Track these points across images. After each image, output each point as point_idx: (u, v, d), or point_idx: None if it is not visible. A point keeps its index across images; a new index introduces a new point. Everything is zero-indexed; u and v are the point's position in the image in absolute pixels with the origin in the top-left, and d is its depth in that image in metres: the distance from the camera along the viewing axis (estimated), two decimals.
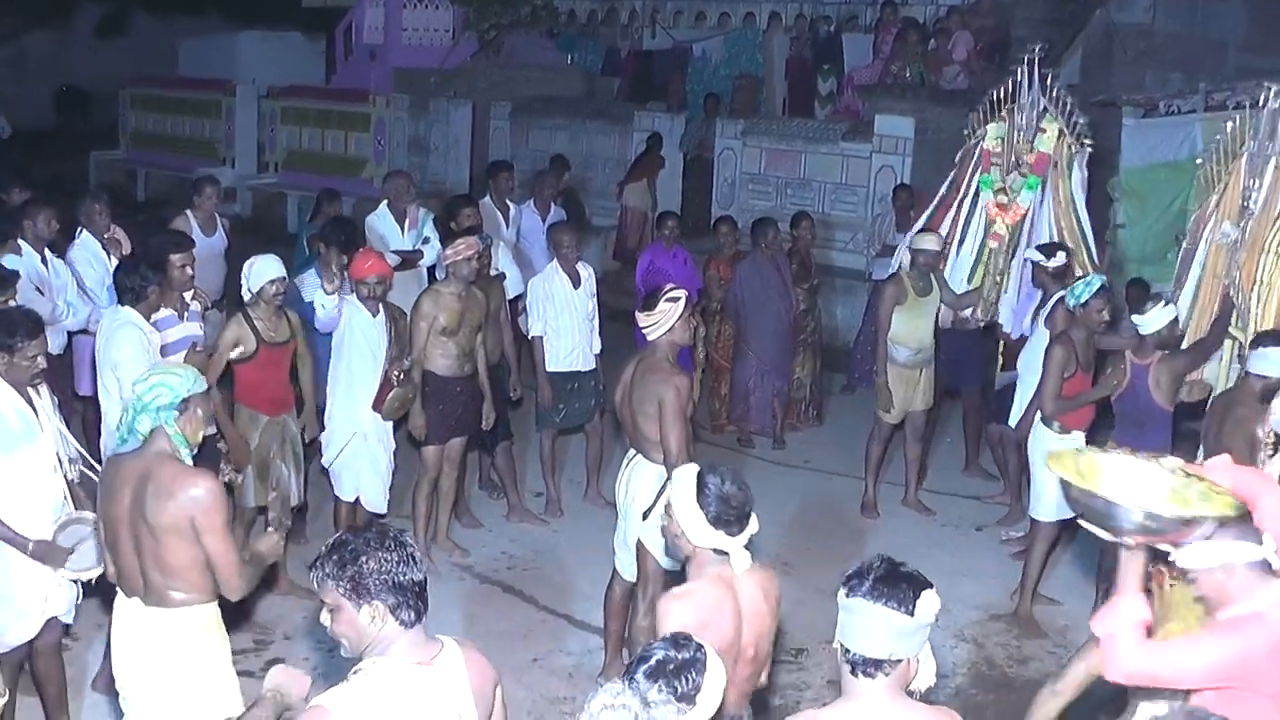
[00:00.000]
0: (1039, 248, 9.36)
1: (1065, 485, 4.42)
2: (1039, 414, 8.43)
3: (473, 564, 9.18)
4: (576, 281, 9.82)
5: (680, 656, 3.56)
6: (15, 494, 6.06)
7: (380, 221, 11.42)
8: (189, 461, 5.09)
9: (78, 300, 9.33)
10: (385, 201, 11.60)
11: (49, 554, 6.10)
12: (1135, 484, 4.39)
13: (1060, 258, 9.14)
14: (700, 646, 3.63)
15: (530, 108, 20.14)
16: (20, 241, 9.02)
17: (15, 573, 6.14)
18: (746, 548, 4.60)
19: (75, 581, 6.27)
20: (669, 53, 22.11)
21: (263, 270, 8.03)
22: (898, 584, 3.70)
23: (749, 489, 4.66)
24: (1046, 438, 8.30)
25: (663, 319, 6.92)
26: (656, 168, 17.90)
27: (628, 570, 7.25)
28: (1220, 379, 8.37)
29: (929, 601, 3.71)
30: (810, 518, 10.02)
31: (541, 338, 9.78)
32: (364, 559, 3.66)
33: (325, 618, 3.79)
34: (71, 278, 9.37)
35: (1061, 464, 4.50)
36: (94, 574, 6.22)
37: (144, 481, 5.06)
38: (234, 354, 7.81)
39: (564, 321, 9.79)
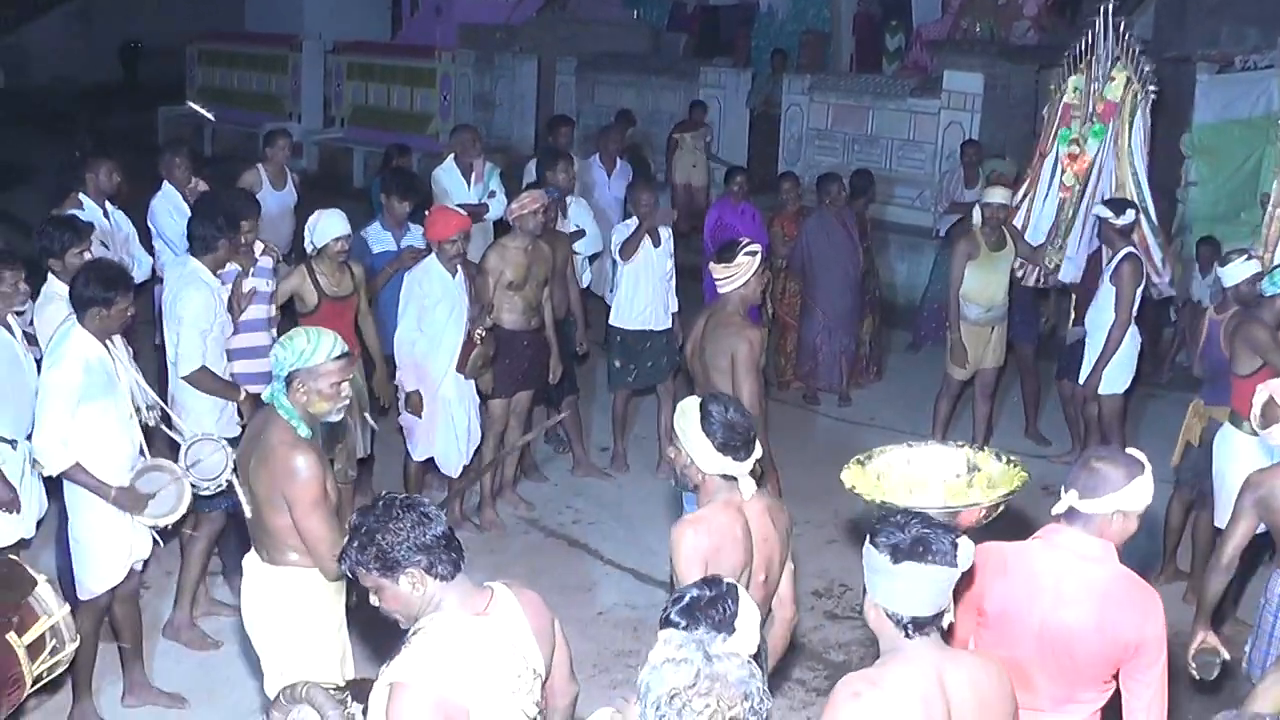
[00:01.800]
0: (1107, 203, 9.27)
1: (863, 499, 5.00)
2: (1229, 414, 7.53)
3: (538, 518, 9.24)
4: (657, 240, 9.76)
5: (709, 593, 3.60)
6: (96, 443, 6.14)
7: (446, 175, 11.46)
8: (304, 433, 5.03)
9: (140, 252, 9.41)
10: (451, 155, 11.62)
11: (130, 500, 6.20)
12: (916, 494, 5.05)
13: (1129, 215, 9.06)
14: (726, 582, 3.67)
15: (596, 63, 20.09)
16: (81, 195, 9.06)
17: (100, 521, 6.24)
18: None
19: (152, 528, 6.37)
20: (735, 8, 22.03)
21: (328, 227, 8.05)
22: (939, 539, 3.66)
23: (750, 415, 4.85)
24: (1235, 441, 7.40)
25: (739, 272, 6.90)
26: (691, 128, 16.87)
27: None
28: None
29: (966, 546, 3.69)
30: None
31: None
32: (379, 535, 3.70)
33: (374, 600, 3.83)
34: (133, 230, 9.42)
35: (853, 477, 5.18)
36: (171, 519, 6.33)
37: (255, 440, 5.13)
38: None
39: (642, 279, 9.74)
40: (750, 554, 4.73)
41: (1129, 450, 4.39)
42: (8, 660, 5.27)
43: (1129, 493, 4.24)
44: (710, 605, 3.56)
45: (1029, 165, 10.56)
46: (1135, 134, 9.92)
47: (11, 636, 5.29)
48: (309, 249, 8.14)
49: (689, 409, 4.75)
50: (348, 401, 5.21)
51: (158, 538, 6.48)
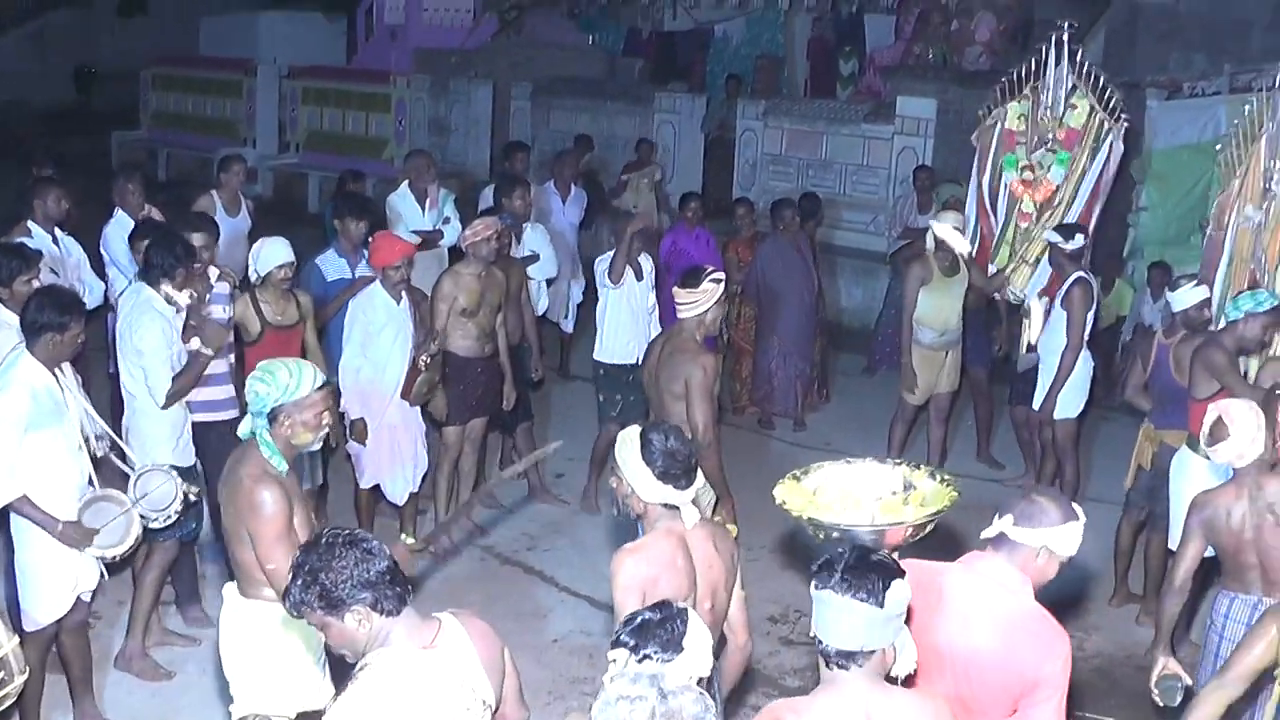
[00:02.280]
0: (1057, 228, 9.34)
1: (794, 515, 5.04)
2: (1186, 438, 7.55)
3: (493, 544, 9.20)
4: (640, 273, 9.60)
5: (659, 615, 3.62)
6: (43, 473, 6.10)
7: (401, 201, 11.45)
8: (282, 468, 4.99)
9: (92, 278, 9.33)
10: (406, 181, 11.61)
11: (77, 535, 6.16)
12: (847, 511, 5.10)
13: (1078, 240, 9.12)
14: (675, 605, 3.69)
15: (551, 88, 20.12)
16: (30, 223, 8.96)
17: (46, 551, 6.18)
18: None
19: (100, 559, 6.32)
20: (691, 33, 22.10)
21: (271, 254, 7.96)
22: (867, 574, 3.68)
23: (690, 444, 4.82)
24: (1192, 464, 7.41)
25: (703, 299, 6.94)
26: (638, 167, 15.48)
27: None
28: None
29: (899, 591, 3.69)
30: None
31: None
32: (322, 574, 3.66)
33: (321, 637, 3.82)
34: (84, 256, 9.34)
35: (786, 492, 5.19)
36: (119, 551, 6.29)
37: (229, 473, 5.08)
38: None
39: (624, 312, 9.54)
40: (694, 582, 4.72)
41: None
42: None
43: (1061, 533, 4.24)
44: (659, 626, 3.58)
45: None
46: (1096, 161, 10.07)
47: None
48: (253, 277, 8.05)
49: (629, 438, 4.76)
50: (329, 429, 5.16)
51: (104, 570, 6.42)
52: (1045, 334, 9.26)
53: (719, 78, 20.41)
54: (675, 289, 7.13)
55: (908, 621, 3.81)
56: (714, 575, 4.81)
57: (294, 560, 3.75)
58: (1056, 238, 9.14)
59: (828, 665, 3.73)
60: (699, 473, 4.79)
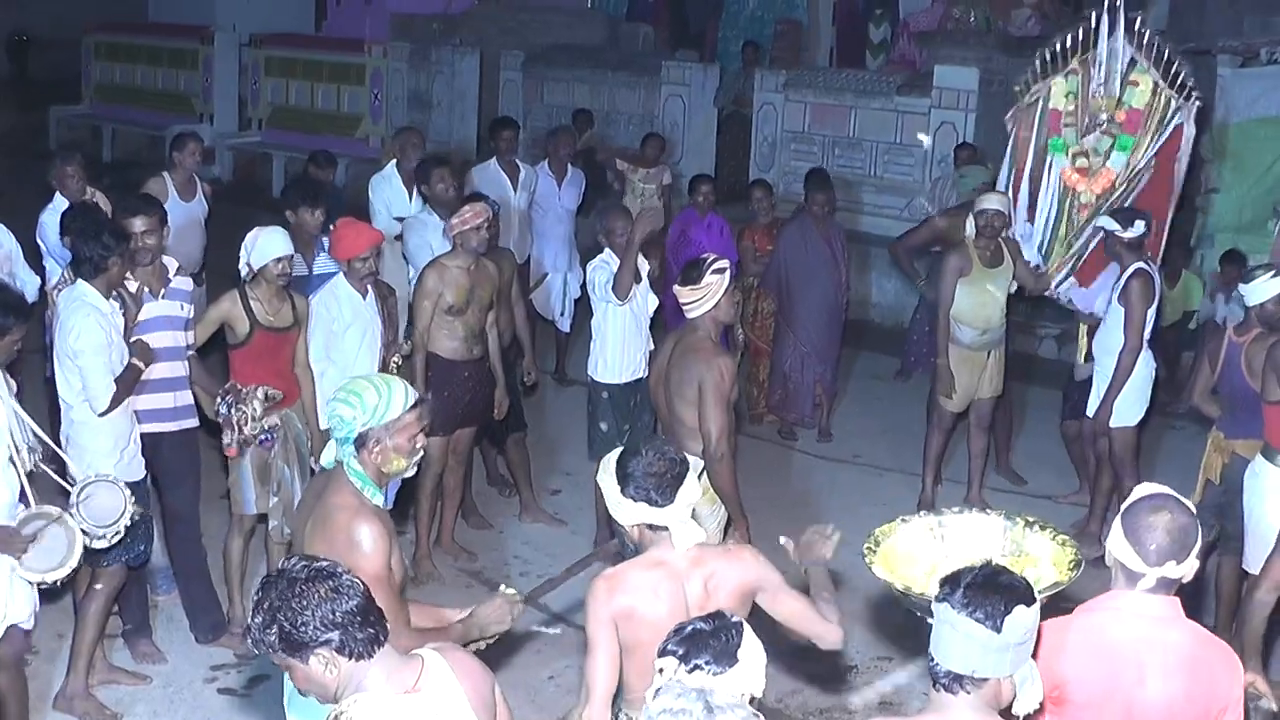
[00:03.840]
0: (1113, 214, 9.28)
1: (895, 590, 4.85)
2: (1261, 448, 7.55)
3: (481, 569, 9.20)
4: (638, 276, 9.17)
5: (711, 625, 3.63)
6: None
7: (386, 184, 11.26)
8: (376, 500, 4.87)
9: (26, 272, 9.29)
10: (393, 162, 11.48)
11: (4, 540, 6.10)
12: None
13: (1138, 226, 9.04)
14: (728, 616, 3.70)
15: (546, 57, 20.13)
16: None
17: None
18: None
19: (34, 585, 6.30)
20: None
21: (268, 246, 7.85)
22: (990, 595, 3.70)
23: (674, 456, 4.75)
24: (1269, 477, 7.45)
25: (708, 294, 6.91)
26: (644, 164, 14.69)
27: None
28: None
29: (1021, 618, 3.70)
30: (860, 520, 9.82)
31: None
32: (281, 613, 3.60)
33: (289, 677, 3.80)
34: (17, 246, 9.31)
35: (881, 561, 5.01)
36: (59, 574, 6.26)
37: (313, 503, 4.94)
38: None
39: (629, 325, 9.19)
40: (684, 613, 4.59)
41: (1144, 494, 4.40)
42: None
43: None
44: (713, 636, 3.59)
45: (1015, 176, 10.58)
46: (1154, 145, 10.01)
47: None
48: (244, 271, 7.95)
49: (609, 461, 4.77)
50: (423, 453, 5.04)
51: (37, 599, 6.38)
52: (1101, 333, 9.22)
53: (734, 45, 20.43)
54: (676, 287, 7.11)
55: (1034, 653, 3.83)
56: (713, 606, 4.63)
57: (255, 598, 3.70)
58: (1113, 225, 9.07)
59: (935, 686, 3.78)
60: (684, 490, 4.70)
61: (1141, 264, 9.04)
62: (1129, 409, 9.16)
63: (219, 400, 7.74)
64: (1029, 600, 3.74)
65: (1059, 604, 4.56)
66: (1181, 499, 4.39)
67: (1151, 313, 9.05)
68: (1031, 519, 5.19)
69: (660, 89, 18.50)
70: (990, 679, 3.73)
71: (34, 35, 31.19)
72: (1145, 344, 9.06)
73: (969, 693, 3.73)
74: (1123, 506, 4.39)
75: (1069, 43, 10.19)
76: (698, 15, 22.14)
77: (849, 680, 7.91)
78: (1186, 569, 4.27)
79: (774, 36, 20.50)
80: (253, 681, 7.63)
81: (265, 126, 23.63)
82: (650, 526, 4.71)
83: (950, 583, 3.78)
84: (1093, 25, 10.08)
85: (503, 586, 5.39)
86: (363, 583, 3.72)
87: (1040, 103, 10.28)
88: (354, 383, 4.94)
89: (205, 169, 15.93)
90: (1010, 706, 3.84)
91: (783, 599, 4.91)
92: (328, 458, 4.93)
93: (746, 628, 3.67)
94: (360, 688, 3.68)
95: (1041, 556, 4.96)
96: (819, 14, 20.67)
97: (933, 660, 3.78)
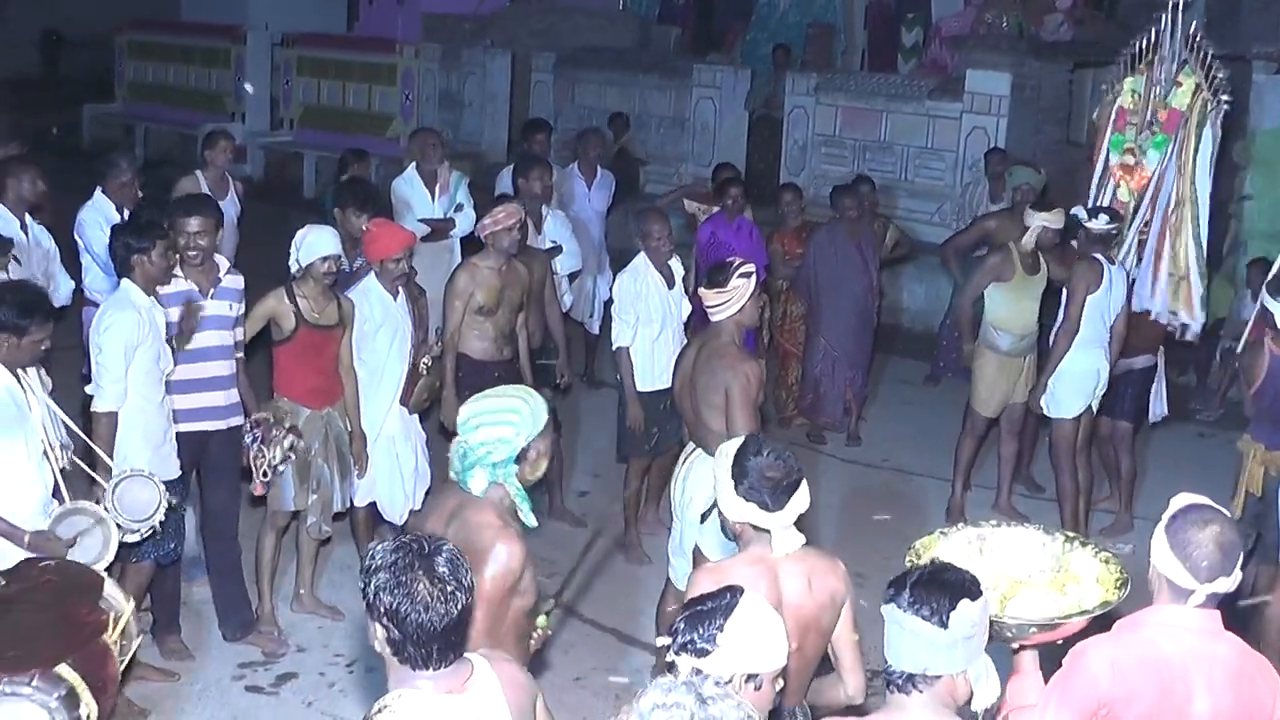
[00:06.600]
0: (1089, 209, 9.42)
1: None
2: None
3: None
4: (670, 281, 9.27)
5: (710, 603, 3.67)
6: (2, 483, 6.13)
7: (407, 185, 11.40)
8: (529, 516, 4.81)
9: (62, 274, 9.26)
10: (413, 163, 11.58)
11: (47, 546, 6.15)
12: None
13: (1102, 219, 9.20)
14: (736, 592, 3.71)
15: (577, 59, 20.16)
16: None
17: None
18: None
19: None
20: None
21: (317, 244, 7.86)
22: (934, 592, 3.75)
23: (792, 463, 4.71)
24: None
25: (734, 297, 6.90)
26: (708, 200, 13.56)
27: (683, 580, 7.08)
28: None
29: (966, 613, 3.73)
30: (889, 525, 9.96)
31: (628, 349, 9.16)
32: (383, 573, 3.60)
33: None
34: (55, 247, 9.29)
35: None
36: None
37: (459, 522, 4.79)
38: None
39: (661, 330, 9.19)
40: (780, 607, 4.53)
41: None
42: (107, 659, 5.44)
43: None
44: (709, 613, 3.66)
45: (1088, 176, 10.59)
46: (1203, 148, 9.96)
47: (106, 636, 5.48)
48: (293, 268, 7.94)
49: (730, 446, 4.75)
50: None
51: None
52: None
53: (765, 48, 20.39)
54: (702, 290, 7.10)
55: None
56: (805, 614, 4.71)
57: (395, 541, 3.70)
58: (1082, 214, 9.25)
59: (889, 687, 3.81)
60: (796, 498, 4.66)
61: (1098, 256, 9.10)
62: (1068, 401, 9.23)
63: (246, 428, 7.72)
64: (974, 594, 3.78)
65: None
66: (1224, 510, 4.36)
67: (1109, 303, 9.19)
68: (1071, 534, 5.14)
69: (691, 91, 18.51)
70: (943, 676, 3.76)
71: (67, 34, 31.32)
72: (1079, 326, 9.14)
73: (922, 691, 3.78)
74: (1164, 519, 4.33)
75: (1142, 45, 10.20)
76: (726, 18, 22.14)
77: (872, 685, 7.89)
78: (1234, 583, 4.25)
79: (805, 39, 20.46)
80: (280, 679, 7.67)
81: (297, 126, 23.70)
82: (754, 526, 4.70)
83: (896, 584, 3.83)
84: (1161, 27, 10.12)
85: (541, 618, 5.20)
86: (463, 611, 3.65)
87: (1115, 100, 10.32)
88: (495, 403, 4.83)
89: (237, 168, 15.96)
90: (969, 702, 3.86)
91: (847, 623, 4.88)
92: (480, 488, 4.77)
93: (747, 601, 3.70)
94: (407, 683, 3.68)
95: (1084, 574, 4.88)
96: (851, 17, 20.64)
97: (886, 662, 3.82)
